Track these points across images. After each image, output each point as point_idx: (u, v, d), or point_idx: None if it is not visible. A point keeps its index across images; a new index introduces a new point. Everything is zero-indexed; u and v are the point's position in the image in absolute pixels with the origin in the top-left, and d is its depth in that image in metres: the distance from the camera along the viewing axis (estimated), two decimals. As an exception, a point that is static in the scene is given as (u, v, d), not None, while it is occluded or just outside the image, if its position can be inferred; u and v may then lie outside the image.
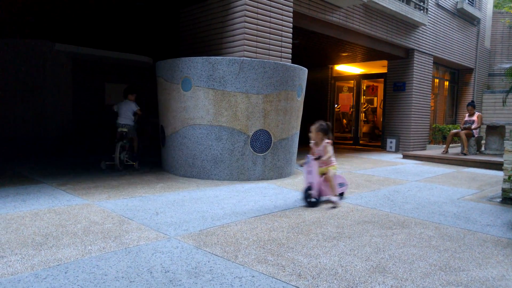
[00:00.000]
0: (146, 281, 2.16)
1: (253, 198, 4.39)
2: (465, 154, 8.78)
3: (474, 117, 9.28)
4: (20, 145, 9.15)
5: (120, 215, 3.50)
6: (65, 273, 2.24)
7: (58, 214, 3.48)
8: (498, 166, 7.57)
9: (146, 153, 8.68)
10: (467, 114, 9.51)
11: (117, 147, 5.97)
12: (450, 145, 9.46)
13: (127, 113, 6.23)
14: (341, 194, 4.54)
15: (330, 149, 4.27)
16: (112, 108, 6.47)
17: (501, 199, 4.70)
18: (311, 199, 4.10)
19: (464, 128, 9.21)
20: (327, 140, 4.27)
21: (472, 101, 9.58)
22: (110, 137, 9.49)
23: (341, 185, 4.51)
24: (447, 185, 5.67)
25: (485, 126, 9.83)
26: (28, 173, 5.60)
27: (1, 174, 5.42)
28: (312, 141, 4.35)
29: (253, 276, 2.27)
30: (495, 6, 17.04)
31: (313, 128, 4.30)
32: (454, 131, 9.41)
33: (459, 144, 10.27)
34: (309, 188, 4.10)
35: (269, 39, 6.01)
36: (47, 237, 2.85)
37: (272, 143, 5.61)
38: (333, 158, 4.36)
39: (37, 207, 3.71)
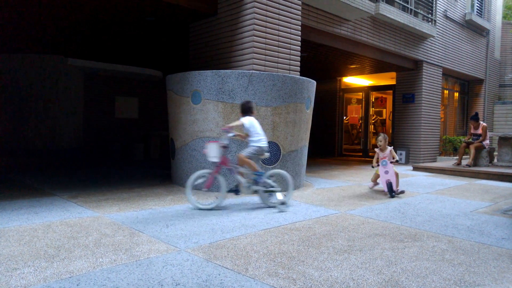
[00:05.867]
0: (157, 294, 2.16)
1: (262, 210, 4.38)
2: (469, 166, 8.65)
3: (479, 130, 9.14)
4: (32, 157, 9.29)
5: (131, 227, 3.52)
6: (77, 285, 2.25)
7: (70, 226, 3.52)
8: (511, 178, 7.45)
9: (156, 166, 8.74)
10: (472, 127, 9.37)
11: (269, 177, 4.58)
12: (463, 156, 9.32)
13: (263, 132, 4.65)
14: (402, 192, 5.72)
15: (394, 153, 5.75)
16: (234, 126, 4.42)
17: (515, 212, 4.61)
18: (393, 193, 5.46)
19: (472, 143, 9.08)
20: (391, 147, 5.75)
21: (475, 114, 9.37)
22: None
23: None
24: (459, 198, 5.59)
25: (497, 138, 9.69)
26: (41, 185, 5.67)
27: (15, 187, 5.50)
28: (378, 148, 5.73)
29: (264, 290, 2.26)
30: (503, 17, 17.02)
31: (381, 139, 5.69)
32: (465, 143, 9.31)
33: (471, 155, 10.11)
34: (391, 185, 5.47)
35: (278, 52, 6.07)
36: (59, 249, 2.88)
37: (281, 155, 5.61)
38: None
39: (49, 219, 3.75)
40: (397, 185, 5.68)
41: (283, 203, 4.44)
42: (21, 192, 5.13)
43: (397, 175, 5.65)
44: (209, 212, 4.20)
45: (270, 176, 4.60)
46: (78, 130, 10.35)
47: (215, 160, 4.36)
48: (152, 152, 10.63)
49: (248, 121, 4.49)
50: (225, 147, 4.40)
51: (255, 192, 4.60)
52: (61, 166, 8.27)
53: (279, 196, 4.51)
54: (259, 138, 4.51)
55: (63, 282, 2.28)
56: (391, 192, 5.49)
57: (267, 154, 4.64)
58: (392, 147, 5.88)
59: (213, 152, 4.35)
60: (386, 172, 5.52)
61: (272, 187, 4.53)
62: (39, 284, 2.26)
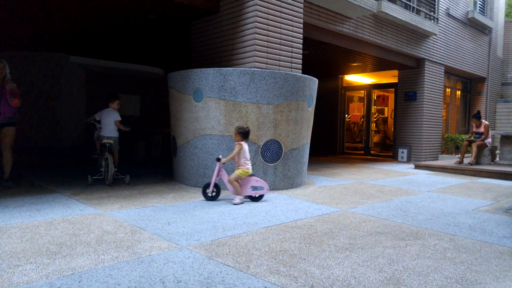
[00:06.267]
0: (159, 291, 2.17)
1: (264, 208, 4.38)
2: (471, 164, 8.65)
3: (481, 128, 9.12)
4: (35, 154, 9.31)
5: (132, 225, 3.53)
6: (79, 282, 2.26)
7: (72, 223, 3.52)
8: (513, 176, 7.44)
9: (157, 163, 8.75)
10: (474, 125, 9.35)
11: (103, 160, 5.66)
12: (465, 155, 9.32)
13: (110, 124, 5.78)
14: (260, 197, 4.79)
15: (236, 150, 4.64)
16: (91, 118, 6.04)
17: (517, 210, 4.61)
18: (207, 195, 4.73)
19: (474, 141, 9.07)
20: (239, 142, 4.67)
21: (477, 113, 9.35)
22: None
23: (255, 188, 4.73)
24: (461, 196, 5.58)
25: (499, 136, 9.67)
26: (42, 182, 5.68)
27: (17, 184, 5.51)
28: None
29: (265, 287, 2.26)
30: (506, 15, 16.94)
31: (234, 130, 4.78)
32: (467, 141, 9.30)
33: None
34: (207, 185, 4.72)
35: (280, 50, 6.06)
36: (61, 246, 2.89)
37: (282, 153, 5.61)
38: (245, 161, 4.69)
39: (51, 216, 3.76)
40: (238, 192, 4.58)
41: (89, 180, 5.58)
42: (23, 189, 5.14)
43: (229, 179, 4.59)
44: (210, 210, 4.20)
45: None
46: (80, 127, 10.37)
47: None
48: (154, 149, 10.63)
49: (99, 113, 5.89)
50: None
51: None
52: (63, 163, 8.29)
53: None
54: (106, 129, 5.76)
55: (65, 279, 2.29)
56: (203, 193, 4.71)
57: (105, 140, 5.68)
58: (240, 143, 4.64)
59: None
60: (214, 171, 4.72)
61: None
62: (41, 280, 2.27)
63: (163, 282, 2.29)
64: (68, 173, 6.77)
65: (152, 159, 9.73)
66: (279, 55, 6.05)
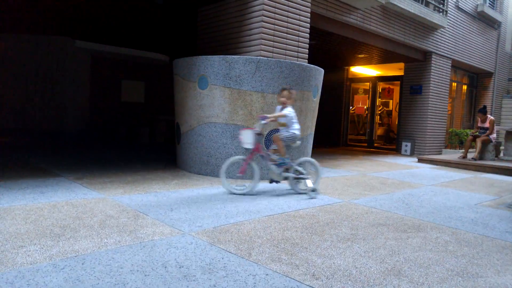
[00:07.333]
0: (161, 275, 2.18)
1: (266, 197, 4.39)
2: (474, 159, 8.61)
3: (487, 123, 9.05)
4: (39, 138, 9.35)
5: (135, 210, 3.55)
6: (82, 264, 2.28)
7: (75, 207, 3.55)
8: (517, 172, 7.40)
9: (161, 150, 8.76)
10: (479, 120, 9.28)
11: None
12: (469, 150, 9.27)
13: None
14: None
15: None
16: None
17: (520, 206, 4.59)
18: None
19: (479, 136, 9.01)
20: None
21: (483, 107, 9.27)
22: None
23: None
24: (464, 191, 5.57)
25: (504, 132, 9.60)
26: (47, 166, 5.71)
27: (21, 167, 5.54)
28: None
29: (267, 274, 2.28)
30: (517, 9, 16.64)
31: None
32: (472, 136, 9.24)
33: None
34: None
35: (286, 39, 6.00)
36: (64, 228, 2.91)
37: (286, 143, 5.59)
38: None
39: (55, 199, 3.78)
40: None
41: (313, 190, 4.52)
42: (28, 172, 5.17)
43: None
44: (213, 197, 4.22)
45: (299, 164, 4.75)
46: (84, 112, 10.38)
47: (250, 146, 4.46)
48: (157, 136, 10.65)
49: (289, 112, 4.64)
50: (259, 134, 4.51)
51: (285, 178, 4.74)
52: (67, 147, 8.32)
53: (309, 183, 4.57)
54: (296, 127, 4.69)
55: (68, 261, 2.31)
56: None
57: (298, 142, 4.79)
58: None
59: (247, 138, 4.44)
60: None
61: (302, 174, 4.66)
62: (45, 262, 2.29)
63: (165, 267, 2.30)
64: (72, 157, 6.79)
65: (155, 146, 9.74)
66: (286, 44, 6.00)
